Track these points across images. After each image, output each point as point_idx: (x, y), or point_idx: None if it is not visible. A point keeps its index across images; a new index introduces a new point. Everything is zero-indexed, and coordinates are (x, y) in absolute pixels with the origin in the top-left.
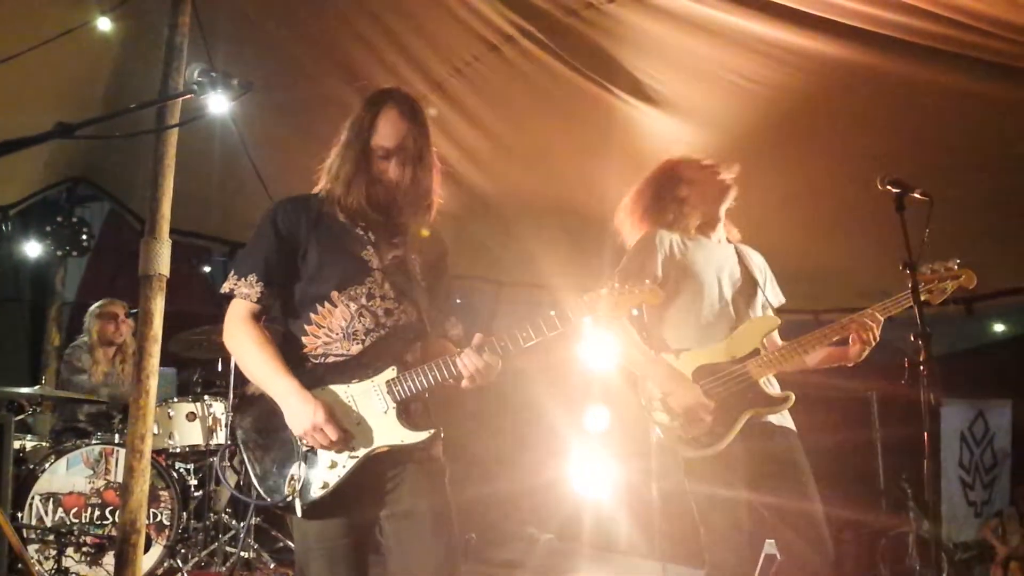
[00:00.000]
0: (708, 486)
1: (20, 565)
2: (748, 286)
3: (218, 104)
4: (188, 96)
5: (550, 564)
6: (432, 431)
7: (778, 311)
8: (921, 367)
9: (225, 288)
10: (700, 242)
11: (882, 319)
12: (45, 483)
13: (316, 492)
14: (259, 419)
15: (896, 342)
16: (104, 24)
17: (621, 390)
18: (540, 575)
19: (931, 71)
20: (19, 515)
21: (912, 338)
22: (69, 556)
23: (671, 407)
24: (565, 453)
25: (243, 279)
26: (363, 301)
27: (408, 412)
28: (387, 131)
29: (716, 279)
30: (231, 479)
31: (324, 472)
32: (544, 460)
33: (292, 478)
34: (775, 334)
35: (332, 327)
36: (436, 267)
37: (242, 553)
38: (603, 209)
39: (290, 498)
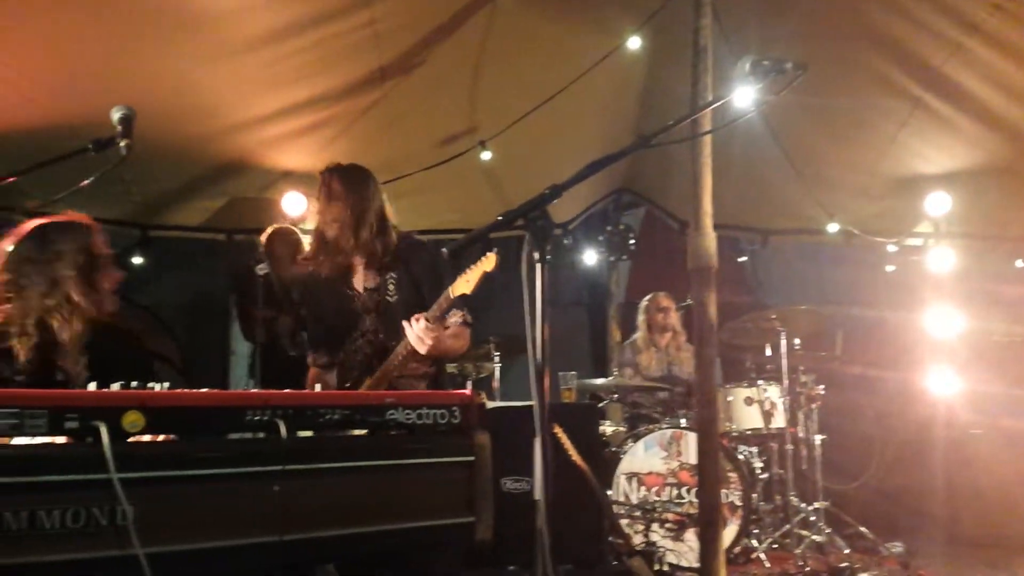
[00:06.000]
0: None
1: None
2: None
3: (743, 97)
4: (726, 96)
5: None
6: None
7: None
8: None
9: None
10: None
11: None
12: (627, 464)
13: None
14: None
15: None
16: (634, 43)
17: None
18: None
19: None
20: (608, 492)
21: None
22: (654, 531)
23: None
24: None
25: None
26: None
27: None
28: None
29: None
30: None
31: None
32: None
33: None
34: None
35: None
36: None
37: (814, 537)
38: None
39: None
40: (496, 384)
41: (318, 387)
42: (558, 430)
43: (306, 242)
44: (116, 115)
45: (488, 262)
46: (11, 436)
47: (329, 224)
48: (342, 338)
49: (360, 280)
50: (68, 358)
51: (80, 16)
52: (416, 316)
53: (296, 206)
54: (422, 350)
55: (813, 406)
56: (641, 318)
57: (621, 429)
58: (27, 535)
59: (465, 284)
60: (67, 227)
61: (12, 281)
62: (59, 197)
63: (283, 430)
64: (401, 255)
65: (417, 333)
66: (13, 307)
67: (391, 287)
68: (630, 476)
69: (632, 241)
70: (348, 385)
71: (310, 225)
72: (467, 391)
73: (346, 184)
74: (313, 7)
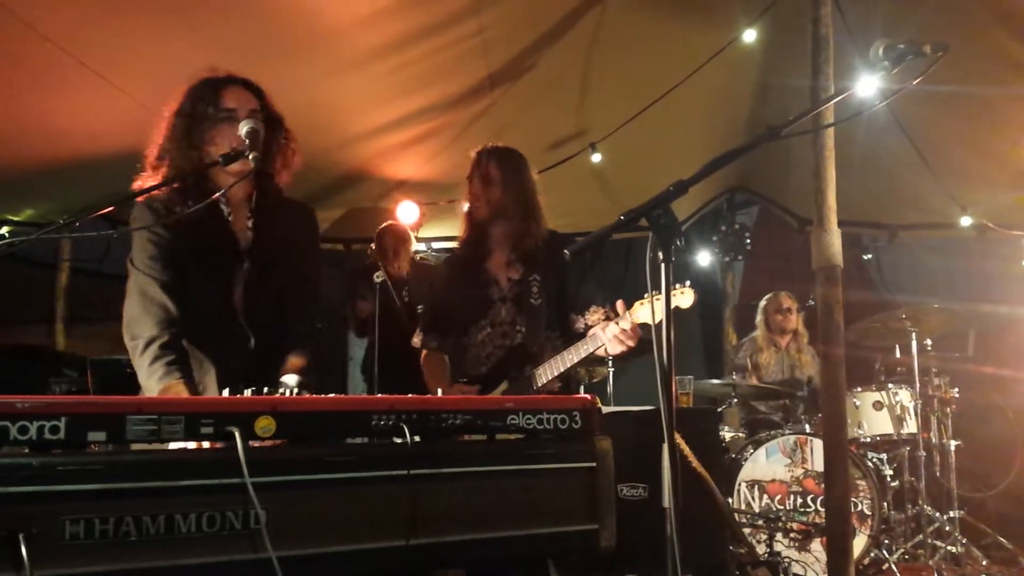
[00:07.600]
0: None
1: (738, 547)
2: None
3: (867, 87)
4: (849, 87)
5: None
6: None
7: None
8: None
9: None
10: None
11: None
12: (748, 471)
13: None
14: None
15: None
16: (749, 36)
17: None
18: None
19: None
20: (729, 500)
21: None
22: (778, 541)
23: None
24: None
25: None
26: None
27: None
28: None
29: None
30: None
31: None
32: None
33: None
34: None
35: None
36: None
37: (949, 547)
38: None
39: None
40: (610, 389)
41: (440, 391)
42: (676, 435)
43: (414, 242)
44: (244, 129)
45: (683, 298)
46: (150, 442)
47: (480, 208)
48: (465, 324)
49: (502, 269)
50: None
51: (208, 36)
52: (607, 321)
53: (410, 214)
54: (615, 351)
55: (947, 410)
56: (760, 318)
57: (740, 435)
58: (165, 539)
59: (648, 314)
60: None
61: None
62: (191, 211)
63: (408, 435)
64: (549, 253)
65: (614, 333)
66: None
67: (535, 288)
68: (751, 484)
69: (748, 241)
70: (480, 381)
71: (424, 232)
72: (587, 395)
73: (503, 168)
74: (424, 19)
